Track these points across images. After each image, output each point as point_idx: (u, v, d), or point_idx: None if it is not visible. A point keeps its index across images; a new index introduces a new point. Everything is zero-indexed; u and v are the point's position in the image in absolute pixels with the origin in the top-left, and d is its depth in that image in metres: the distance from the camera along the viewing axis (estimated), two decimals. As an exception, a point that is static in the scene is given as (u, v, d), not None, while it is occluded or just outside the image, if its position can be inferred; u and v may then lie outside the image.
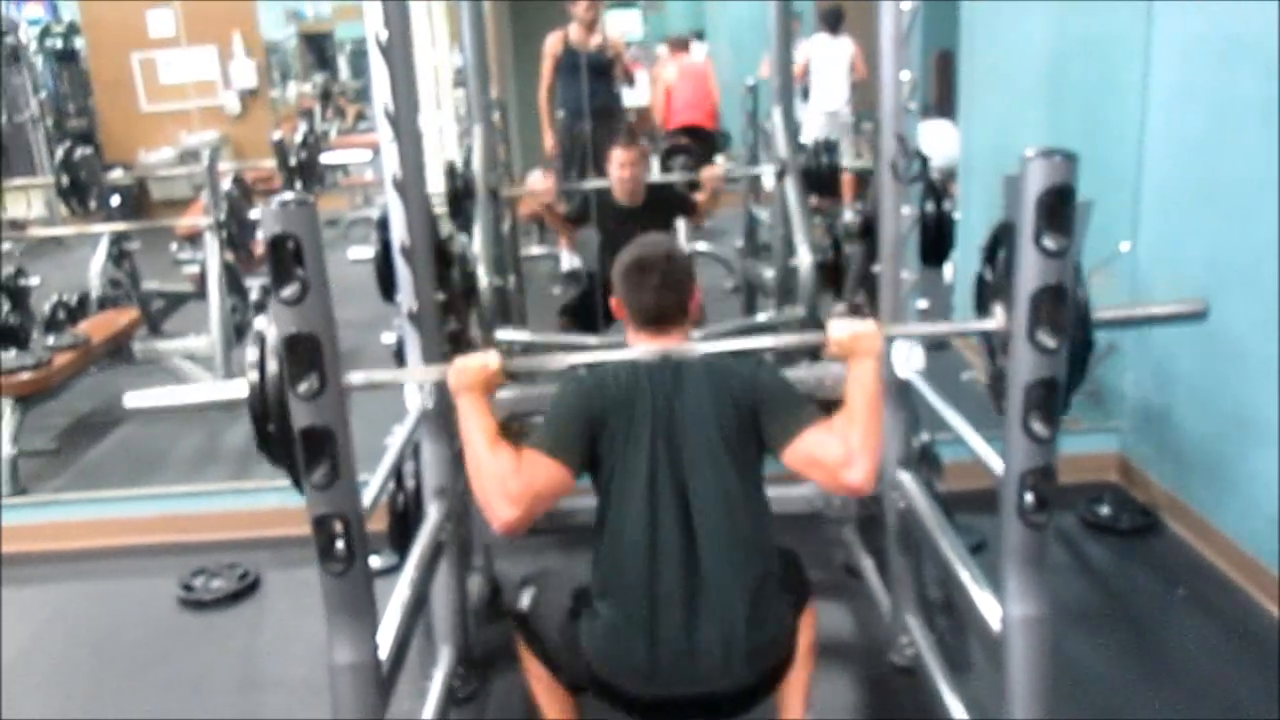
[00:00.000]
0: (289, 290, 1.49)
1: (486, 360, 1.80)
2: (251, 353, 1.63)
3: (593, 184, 4.01)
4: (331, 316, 1.55)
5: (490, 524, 1.77)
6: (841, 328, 1.80)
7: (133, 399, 1.82)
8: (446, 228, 3.09)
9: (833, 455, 1.75)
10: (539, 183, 4.11)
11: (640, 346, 1.90)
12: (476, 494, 1.78)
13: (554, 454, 1.80)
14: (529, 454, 1.80)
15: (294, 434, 1.56)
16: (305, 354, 1.52)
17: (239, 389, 1.66)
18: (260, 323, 1.66)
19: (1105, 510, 3.18)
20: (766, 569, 1.86)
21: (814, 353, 3.34)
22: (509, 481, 1.74)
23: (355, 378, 1.67)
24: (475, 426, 1.78)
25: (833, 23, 6.66)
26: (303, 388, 1.53)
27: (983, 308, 1.82)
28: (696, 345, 1.91)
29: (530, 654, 2.03)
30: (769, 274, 4.20)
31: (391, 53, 2.12)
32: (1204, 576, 2.86)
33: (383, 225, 2.38)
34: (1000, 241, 1.72)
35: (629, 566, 1.82)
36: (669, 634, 1.80)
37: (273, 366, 1.60)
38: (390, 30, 2.09)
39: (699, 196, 3.94)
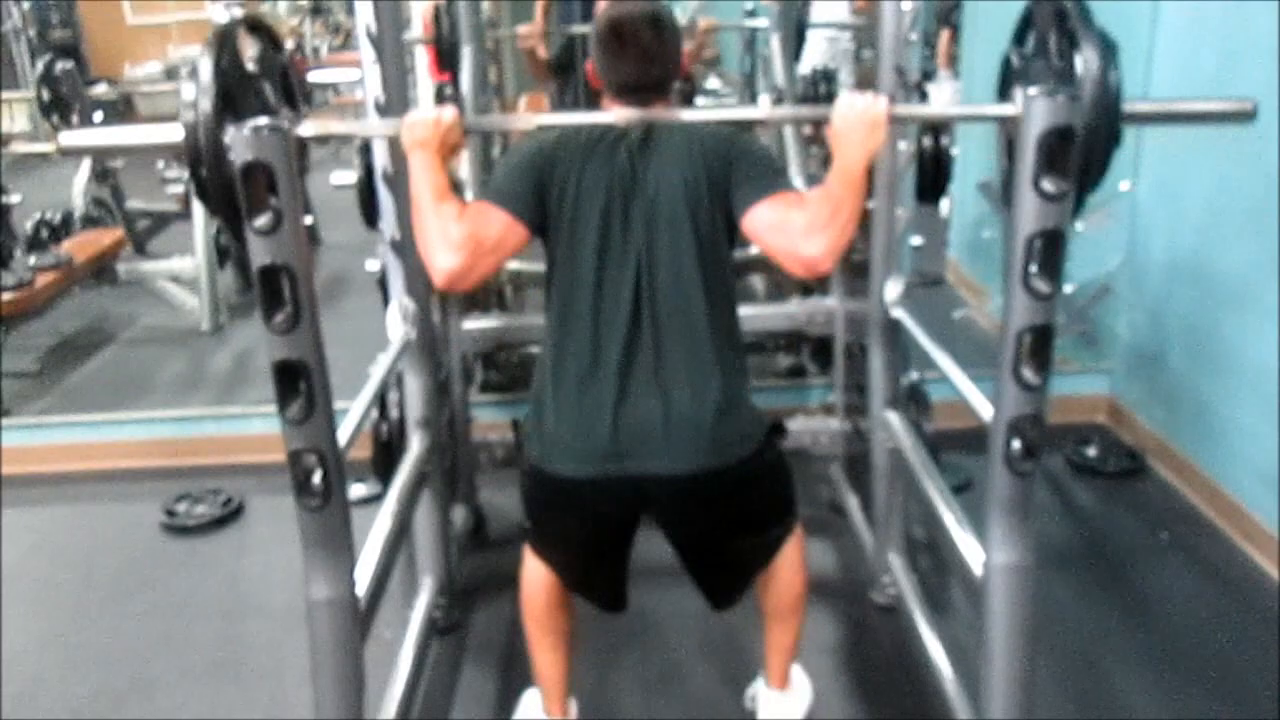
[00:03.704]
0: (262, 220, 1.44)
1: (441, 114, 1.64)
2: (186, 91, 1.44)
3: (580, 28, 3.82)
4: (306, 248, 1.50)
5: (432, 277, 1.66)
6: (849, 103, 1.61)
7: (67, 138, 1.64)
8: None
9: (797, 223, 1.62)
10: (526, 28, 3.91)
11: (617, 111, 1.74)
12: (419, 247, 1.67)
13: (502, 203, 1.69)
14: (476, 204, 1.70)
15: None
16: (279, 286, 1.48)
17: (174, 132, 1.47)
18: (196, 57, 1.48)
19: (1092, 452, 3.18)
20: (722, 356, 1.75)
21: (805, 289, 3.32)
22: (451, 228, 1.62)
23: (306, 128, 1.56)
24: (425, 181, 1.63)
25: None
26: (277, 320, 1.49)
27: (1004, 93, 1.67)
28: (678, 111, 1.77)
29: (531, 556, 1.96)
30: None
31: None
32: (1187, 520, 2.87)
33: (366, 150, 2.32)
34: (1030, 23, 1.61)
35: (576, 335, 1.73)
36: (612, 404, 1.71)
37: (205, 105, 1.43)
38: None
39: (686, 47, 3.79)
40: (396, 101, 2.16)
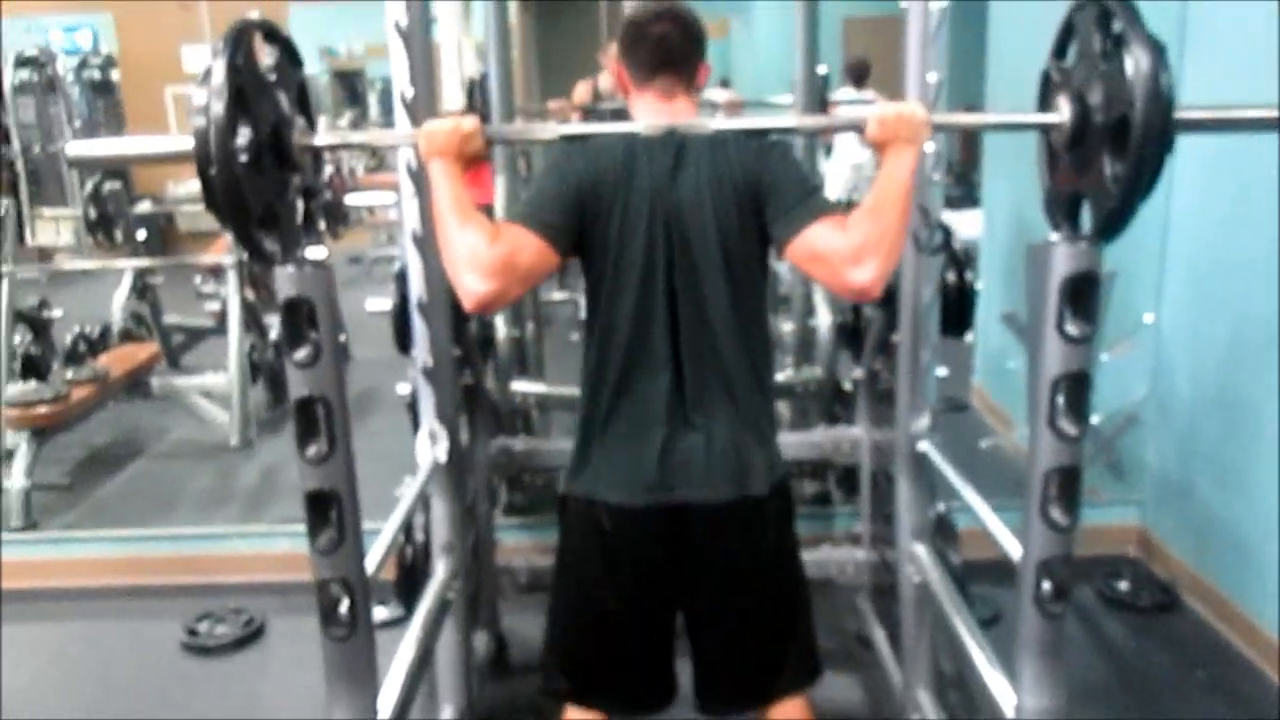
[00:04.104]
0: (302, 353, 1.48)
1: (460, 122, 1.59)
2: (198, 96, 1.36)
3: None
4: (343, 380, 1.54)
5: (461, 300, 1.59)
6: (887, 108, 1.58)
7: (75, 148, 1.58)
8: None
9: (842, 250, 1.55)
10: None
11: (643, 119, 1.71)
12: (446, 268, 1.61)
13: (535, 227, 1.62)
14: (508, 226, 1.63)
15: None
16: (315, 417, 1.51)
17: (185, 141, 1.40)
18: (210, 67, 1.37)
19: (1124, 585, 3.12)
20: (753, 393, 1.74)
21: (831, 416, 3.32)
22: (481, 252, 1.55)
23: (322, 137, 1.56)
24: (446, 194, 1.58)
25: (858, 75, 6.69)
26: (311, 451, 1.52)
27: (1045, 103, 1.60)
28: (706, 121, 1.72)
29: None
30: (788, 329, 4.17)
31: (415, 106, 2.12)
32: (1224, 658, 2.80)
33: (401, 278, 2.37)
34: (1071, 32, 1.55)
35: (618, 370, 1.71)
36: (660, 438, 1.70)
37: (218, 109, 1.35)
38: (415, 78, 2.10)
39: None
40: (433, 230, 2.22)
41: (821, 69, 3.53)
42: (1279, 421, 2.64)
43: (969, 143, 6.08)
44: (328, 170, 5.80)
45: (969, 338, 4.31)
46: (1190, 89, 3.02)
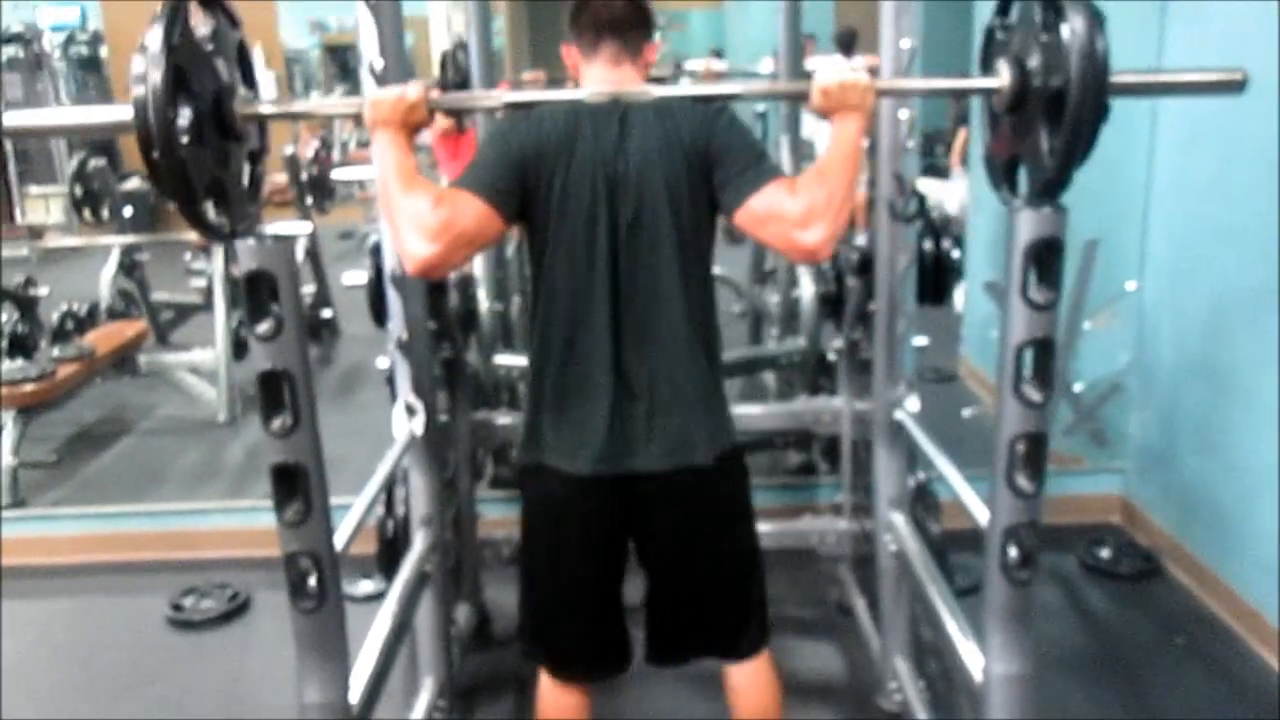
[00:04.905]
0: (264, 327, 1.48)
1: (405, 90, 1.58)
2: (135, 64, 1.32)
3: None
4: (305, 352, 1.53)
5: (404, 265, 1.61)
6: (829, 74, 1.57)
7: (11, 118, 1.54)
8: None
9: (792, 212, 1.57)
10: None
11: (588, 86, 1.72)
12: (391, 234, 1.61)
13: (479, 192, 1.62)
14: (451, 191, 1.63)
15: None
16: (279, 391, 1.50)
17: (124, 111, 1.35)
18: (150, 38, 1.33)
19: (1106, 553, 3.13)
20: (698, 358, 1.74)
21: (814, 387, 3.32)
22: (424, 216, 1.55)
23: (265, 106, 1.54)
24: (390, 162, 1.58)
25: (846, 43, 6.66)
26: (276, 424, 1.52)
27: (987, 65, 1.60)
28: (651, 88, 1.71)
29: (546, 678, 1.91)
30: (774, 301, 4.16)
31: (385, 77, 2.11)
32: (1204, 625, 2.81)
33: (376, 251, 2.37)
34: None
35: (563, 338, 1.71)
36: (605, 408, 1.70)
37: (155, 79, 1.31)
38: (384, 49, 2.08)
39: None
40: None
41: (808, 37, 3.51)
42: (1263, 390, 2.63)
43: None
44: (314, 145, 5.78)
45: (957, 308, 4.34)
46: (1171, 53, 3.01)
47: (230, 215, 1.48)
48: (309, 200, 5.70)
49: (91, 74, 9.36)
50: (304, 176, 5.59)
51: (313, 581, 1.61)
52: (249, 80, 1.56)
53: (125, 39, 8.74)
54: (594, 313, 1.70)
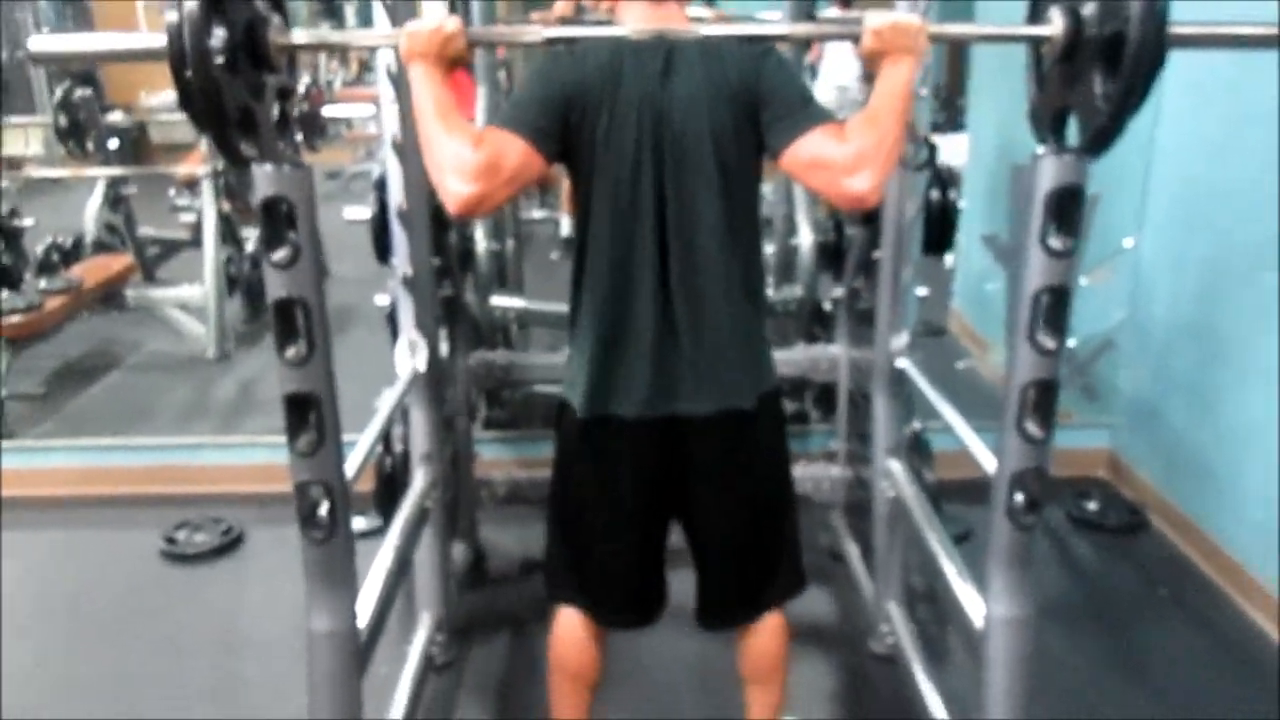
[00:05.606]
0: (280, 254, 1.46)
1: (443, 22, 1.53)
2: None
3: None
4: (321, 282, 1.52)
5: (445, 204, 1.55)
6: (882, 18, 1.53)
7: (38, 43, 1.48)
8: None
9: (840, 158, 1.54)
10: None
11: (630, 23, 1.67)
12: (430, 172, 1.57)
13: (520, 130, 1.58)
14: (492, 130, 1.59)
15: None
16: (294, 319, 1.50)
17: (157, 39, 1.34)
18: None
19: (1093, 506, 3.18)
20: (743, 303, 1.72)
21: (810, 335, 3.33)
22: (465, 155, 1.51)
23: (299, 36, 1.51)
24: (428, 96, 1.54)
25: (846, -4, 6.58)
26: (290, 352, 1.51)
27: (1036, 14, 1.57)
28: (696, 27, 1.65)
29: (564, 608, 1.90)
30: (769, 250, 4.16)
31: (395, 7, 2.08)
32: (1187, 578, 2.87)
33: (380, 186, 2.35)
34: None
35: (608, 282, 1.69)
36: (649, 351, 1.69)
37: (190, 4, 1.29)
38: None
39: None
40: (413, 137, 2.18)
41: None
42: (1256, 349, 2.66)
43: (955, 67, 6.03)
44: (304, 82, 5.69)
45: (949, 262, 4.34)
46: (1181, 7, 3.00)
47: (261, 148, 1.45)
48: (300, 137, 5.62)
49: (71, 4, 9.15)
50: (295, 113, 5.51)
51: (323, 511, 1.61)
52: (282, 13, 1.53)
53: (108, -32, 8.55)
54: (638, 254, 1.67)
